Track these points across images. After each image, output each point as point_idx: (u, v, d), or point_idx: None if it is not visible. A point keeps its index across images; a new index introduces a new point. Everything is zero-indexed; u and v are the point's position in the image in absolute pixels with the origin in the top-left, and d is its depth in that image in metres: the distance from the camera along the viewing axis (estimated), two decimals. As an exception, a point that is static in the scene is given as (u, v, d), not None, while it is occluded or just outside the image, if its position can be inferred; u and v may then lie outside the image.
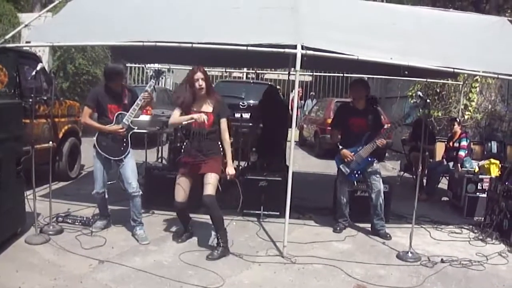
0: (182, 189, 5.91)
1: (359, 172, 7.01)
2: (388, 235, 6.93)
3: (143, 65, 17.99)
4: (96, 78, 16.89)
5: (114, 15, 7.32)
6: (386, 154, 15.55)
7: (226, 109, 6.05)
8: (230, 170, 5.92)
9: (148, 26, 6.82)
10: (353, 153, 6.91)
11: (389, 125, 6.83)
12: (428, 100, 6.44)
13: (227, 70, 20.53)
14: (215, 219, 5.81)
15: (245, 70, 25.78)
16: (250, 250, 6.11)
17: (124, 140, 6.23)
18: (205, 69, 5.85)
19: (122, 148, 6.23)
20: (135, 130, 6.31)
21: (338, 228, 7.17)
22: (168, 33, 6.56)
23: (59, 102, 9.52)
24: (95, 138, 6.25)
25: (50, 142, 6.84)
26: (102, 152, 6.20)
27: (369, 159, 6.94)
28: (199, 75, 5.76)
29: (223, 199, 6.14)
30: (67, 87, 16.74)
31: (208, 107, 5.86)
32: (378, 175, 7.01)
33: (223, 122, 5.93)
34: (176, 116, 5.90)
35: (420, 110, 6.98)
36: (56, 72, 15.97)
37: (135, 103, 6.19)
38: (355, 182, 7.38)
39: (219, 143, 5.94)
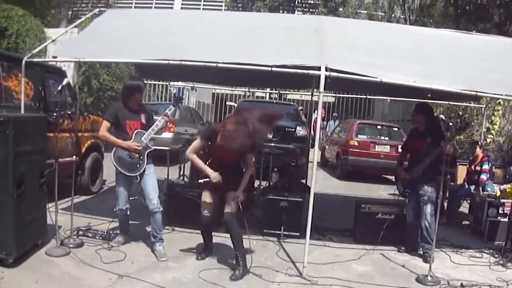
0: (208, 203, 5.94)
1: (409, 191, 7.21)
2: (428, 259, 6.50)
3: (167, 83, 18.14)
4: (120, 94, 16.99)
5: (140, 33, 7.44)
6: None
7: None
8: (239, 193, 5.84)
9: (173, 45, 6.90)
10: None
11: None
12: (450, 123, 6.43)
13: (250, 90, 20.54)
14: (234, 237, 5.80)
15: (268, 90, 25.82)
16: (270, 270, 6.08)
17: (141, 157, 6.26)
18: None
19: (138, 165, 6.25)
20: (158, 147, 6.34)
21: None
22: (194, 53, 6.64)
23: (83, 117, 9.63)
24: (112, 153, 6.29)
25: (73, 156, 6.93)
26: (117, 166, 6.25)
27: (419, 180, 7.01)
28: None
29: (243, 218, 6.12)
30: (91, 102, 16.88)
31: None
32: (425, 198, 6.95)
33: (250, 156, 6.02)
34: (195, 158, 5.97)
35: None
36: (81, 87, 16.15)
37: (155, 124, 6.29)
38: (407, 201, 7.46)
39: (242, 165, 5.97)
